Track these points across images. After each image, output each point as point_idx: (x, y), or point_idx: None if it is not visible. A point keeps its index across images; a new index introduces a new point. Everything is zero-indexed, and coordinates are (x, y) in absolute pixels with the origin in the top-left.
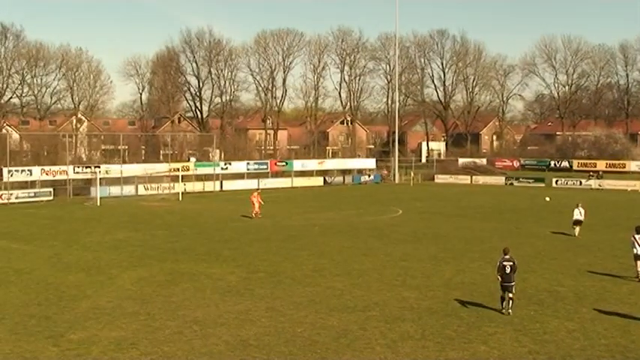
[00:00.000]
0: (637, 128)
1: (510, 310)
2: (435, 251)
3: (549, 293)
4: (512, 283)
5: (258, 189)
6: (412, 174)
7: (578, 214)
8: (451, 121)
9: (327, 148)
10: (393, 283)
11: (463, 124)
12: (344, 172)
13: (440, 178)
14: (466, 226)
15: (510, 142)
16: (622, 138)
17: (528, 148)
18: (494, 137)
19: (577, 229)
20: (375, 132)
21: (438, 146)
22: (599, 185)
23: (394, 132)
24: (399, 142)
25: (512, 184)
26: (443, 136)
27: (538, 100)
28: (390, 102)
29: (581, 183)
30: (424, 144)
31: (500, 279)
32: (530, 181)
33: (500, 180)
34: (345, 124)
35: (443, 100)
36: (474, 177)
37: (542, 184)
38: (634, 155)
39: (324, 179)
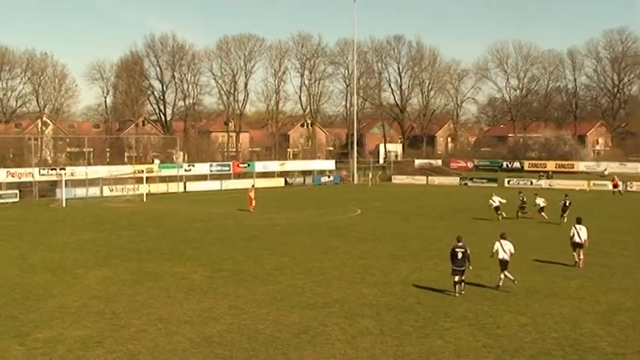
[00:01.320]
0: (585, 130)
1: (463, 292)
2: (392, 249)
3: (502, 289)
4: (463, 268)
5: (253, 185)
6: (370, 175)
7: (541, 202)
8: (408, 123)
9: (288, 150)
10: (352, 281)
11: (419, 126)
12: (304, 173)
13: (397, 179)
14: (423, 225)
15: (464, 144)
16: (570, 139)
17: (482, 149)
18: (449, 139)
19: (544, 214)
20: (335, 134)
21: (395, 148)
22: (549, 185)
23: (353, 134)
24: (357, 144)
25: (466, 184)
26: (400, 138)
27: (491, 104)
28: (348, 105)
29: (532, 183)
30: (382, 146)
31: (452, 264)
32: (484, 181)
33: (455, 180)
34: (306, 126)
35: (400, 104)
36: (429, 177)
37: (495, 184)
38: (582, 156)
39: (286, 180)
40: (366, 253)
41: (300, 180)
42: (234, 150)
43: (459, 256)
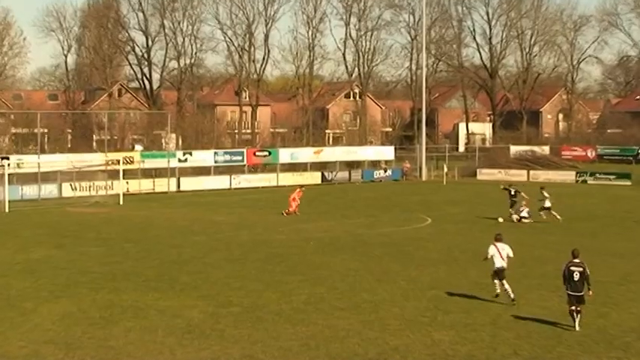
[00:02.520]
0: None
1: (579, 326)
2: (476, 276)
3: (639, 334)
4: (581, 293)
5: (302, 186)
6: (446, 168)
7: None
8: (500, 94)
9: (327, 131)
10: (418, 321)
11: (517, 98)
12: (350, 165)
13: (484, 174)
14: (520, 240)
15: (583, 124)
16: None
17: (608, 131)
18: (561, 117)
19: None
20: (394, 109)
21: (482, 129)
22: None
23: (420, 109)
24: (427, 124)
25: (585, 181)
26: (489, 116)
27: (622, 65)
28: (414, 67)
29: None
30: (462, 126)
31: (566, 288)
32: (611, 177)
33: (568, 176)
34: (352, 97)
35: (489, 65)
36: (531, 172)
37: (628, 182)
38: None
39: (323, 175)
40: (438, 282)
41: (343, 175)
42: (249, 131)
43: (576, 277)
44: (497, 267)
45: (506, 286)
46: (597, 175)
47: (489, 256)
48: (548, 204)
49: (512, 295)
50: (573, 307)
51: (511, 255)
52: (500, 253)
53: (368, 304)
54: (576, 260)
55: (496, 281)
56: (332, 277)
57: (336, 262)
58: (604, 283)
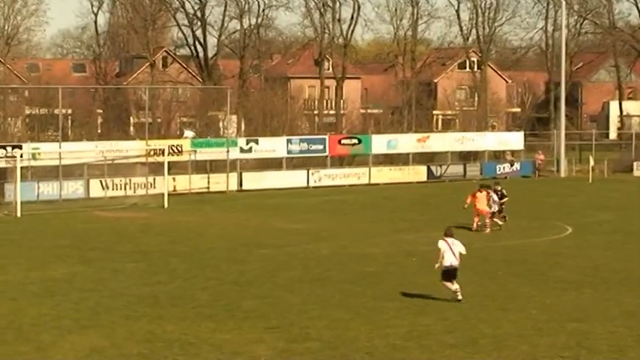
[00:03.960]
0: None
1: None
2: (632, 303)
3: None
4: None
5: (489, 186)
6: (592, 161)
7: None
8: None
9: (435, 113)
10: None
11: None
12: (465, 157)
13: None
14: None
15: None
16: None
17: None
18: None
19: None
20: (524, 84)
21: None
22: None
23: (558, 84)
24: (567, 103)
25: None
26: None
27: None
28: (551, 28)
29: None
30: (614, 105)
31: None
32: None
33: None
34: (469, 68)
35: None
36: None
37: None
38: None
39: (429, 170)
40: (581, 311)
41: (456, 170)
42: (332, 113)
43: None
44: (447, 265)
45: (456, 286)
46: None
47: (441, 253)
48: None
49: (459, 297)
50: None
51: (463, 252)
52: (451, 249)
53: (488, 339)
54: None
55: (447, 283)
56: (441, 305)
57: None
58: None
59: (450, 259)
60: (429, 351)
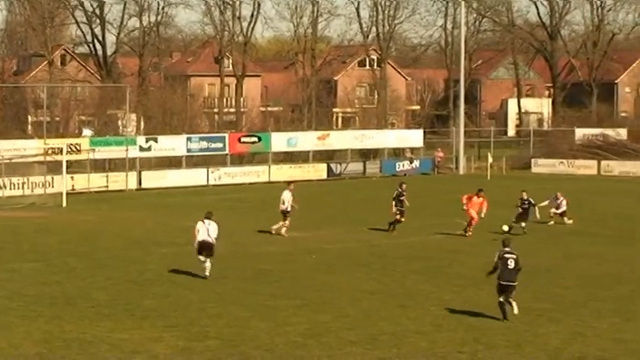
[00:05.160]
0: None
1: (515, 310)
2: (530, 299)
3: None
4: (515, 283)
5: (480, 190)
6: (490, 158)
7: None
8: (563, 60)
9: (335, 110)
10: (453, 358)
11: (585, 65)
12: (365, 154)
13: (541, 165)
14: (589, 252)
15: None
16: None
17: None
18: None
19: None
20: (423, 81)
21: (539, 106)
22: None
23: (457, 81)
24: (466, 100)
25: None
26: (547, 89)
27: None
28: (450, 26)
29: None
30: (512, 103)
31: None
32: None
33: None
34: (369, 66)
35: (548, 23)
36: (603, 162)
37: None
38: None
39: (329, 168)
40: (479, 307)
41: (356, 167)
42: (232, 110)
43: (511, 264)
44: (200, 240)
45: (208, 264)
46: None
47: (197, 231)
48: None
49: (207, 273)
50: (502, 299)
51: (216, 234)
52: (207, 229)
53: (387, 336)
54: (507, 249)
55: (200, 257)
56: (340, 302)
57: (346, 281)
58: None
59: (203, 236)
60: (328, 348)
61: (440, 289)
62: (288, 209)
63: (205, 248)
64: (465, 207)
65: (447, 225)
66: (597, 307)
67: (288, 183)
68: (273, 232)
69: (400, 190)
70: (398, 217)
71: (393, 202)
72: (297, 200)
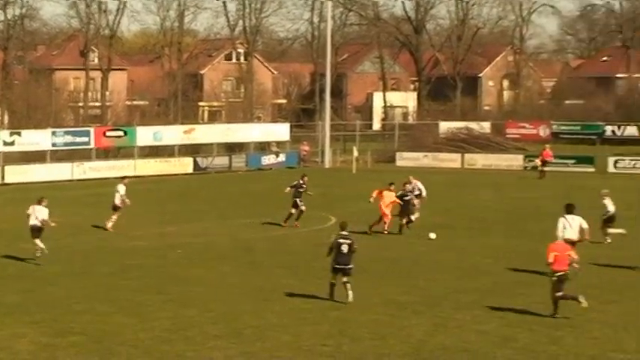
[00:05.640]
0: None
1: (350, 297)
2: (394, 292)
3: None
4: (350, 266)
5: (391, 184)
6: (355, 151)
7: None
8: (428, 54)
9: (201, 104)
10: (317, 351)
11: (449, 59)
12: (231, 148)
13: (405, 159)
14: (454, 245)
15: (534, 93)
16: None
17: (566, 102)
18: (506, 84)
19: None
20: (290, 75)
21: (404, 100)
22: None
23: (324, 75)
24: (332, 94)
25: (536, 167)
26: (413, 83)
27: (584, 17)
28: (316, 20)
29: None
30: (378, 96)
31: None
32: (570, 162)
33: (515, 160)
34: (235, 59)
35: (413, 17)
36: (467, 155)
37: (591, 168)
38: None
39: (195, 162)
40: (343, 299)
41: (222, 161)
42: (97, 104)
43: (344, 249)
44: (30, 224)
45: (39, 244)
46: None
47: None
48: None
49: (38, 254)
50: (344, 280)
51: (43, 217)
52: (36, 215)
53: (252, 329)
54: (344, 232)
55: (35, 241)
56: (205, 296)
57: (212, 276)
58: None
59: (32, 221)
60: (193, 342)
61: (304, 282)
62: (119, 204)
63: (35, 231)
64: (371, 200)
65: (313, 219)
66: (460, 299)
67: (123, 177)
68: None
69: (301, 182)
70: (293, 210)
71: (293, 194)
72: (130, 195)
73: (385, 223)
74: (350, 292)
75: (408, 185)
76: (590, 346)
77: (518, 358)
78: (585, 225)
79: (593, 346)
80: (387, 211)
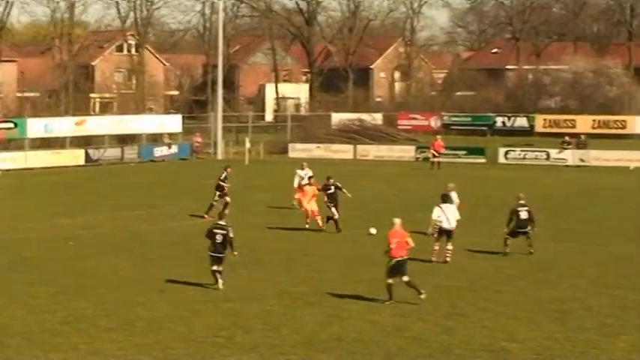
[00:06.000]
0: None
1: (220, 285)
2: (287, 282)
3: (483, 354)
4: (222, 255)
5: (309, 178)
6: (248, 143)
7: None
8: (320, 46)
9: (93, 96)
10: (211, 342)
11: (341, 51)
12: (123, 140)
13: (298, 150)
14: (347, 236)
15: (425, 84)
16: (622, 75)
17: (457, 94)
18: (397, 75)
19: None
20: (182, 66)
21: (296, 91)
22: (581, 160)
23: (216, 66)
24: (224, 85)
25: (427, 158)
26: (305, 74)
27: (474, 9)
28: (208, 11)
29: (548, 156)
30: (270, 88)
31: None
32: (461, 153)
33: (407, 152)
34: (127, 51)
35: (305, 9)
36: (359, 147)
37: (482, 159)
38: None
39: (87, 154)
40: (237, 291)
41: (114, 153)
42: None
43: (219, 239)
44: None
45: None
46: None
47: None
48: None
49: None
50: (215, 268)
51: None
52: None
53: (145, 321)
54: (221, 222)
55: None
56: (98, 288)
57: (104, 267)
58: (448, 289)
59: None
60: (86, 335)
61: (198, 273)
62: None
63: None
64: (295, 202)
65: (204, 209)
66: (353, 289)
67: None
68: None
69: (226, 173)
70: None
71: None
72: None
73: (316, 219)
74: (220, 280)
75: (330, 180)
76: (482, 336)
77: (411, 347)
78: (458, 216)
79: (485, 335)
80: (310, 207)
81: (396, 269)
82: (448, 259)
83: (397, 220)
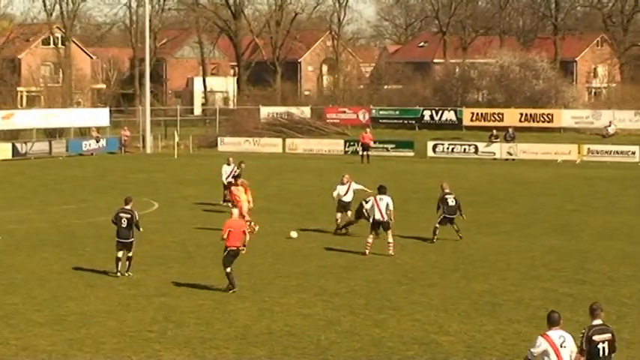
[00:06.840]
0: (573, 52)
1: (128, 273)
2: (219, 277)
3: (422, 347)
4: (130, 240)
5: (235, 178)
6: (177, 136)
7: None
8: (247, 39)
9: (20, 89)
10: (143, 337)
11: (269, 45)
12: (51, 133)
13: (227, 144)
14: (277, 230)
15: (353, 78)
16: (548, 69)
17: (385, 87)
18: (325, 69)
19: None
20: (109, 60)
21: (224, 85)
22: (509, 153)
23: (143, 60)
24: (152, 79)
25: (356, 152)
26: (232, 68)
27: (401, 3)
28: (134, 4)
29: (477, 150)
30: (198, 81)
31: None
32: (389, 146)
33: (335, 145)
34: (53, 44)
35: (232, 2)
36: (287, 140)
37: (410, 152)
38: (567, 99)
39: (14, 147)
40: (169, 285)
41: (41, 147)
42: None
43: (124, 223)
44: None
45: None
46: (371, 144)
47: None
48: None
49: None
50: (120, 255)
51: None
52: None
53: (76, 316)
54: (127, 207)
55: None
56: (28, 283)
57: (34, 262)
58: (380, 282)
59: None
60: (17, 330)
61: (131, 269)
62: None
63: None
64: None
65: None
66: (285, 283)
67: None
68: None
69: (240, 169)
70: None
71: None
72: None
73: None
74: (128, 271)
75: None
76: (413, 329)
77: (343, 341)
78: (391, 206)
79: (416, 328)
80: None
81: (233, 257)
82: (391, 252)
83: (235, 211)
